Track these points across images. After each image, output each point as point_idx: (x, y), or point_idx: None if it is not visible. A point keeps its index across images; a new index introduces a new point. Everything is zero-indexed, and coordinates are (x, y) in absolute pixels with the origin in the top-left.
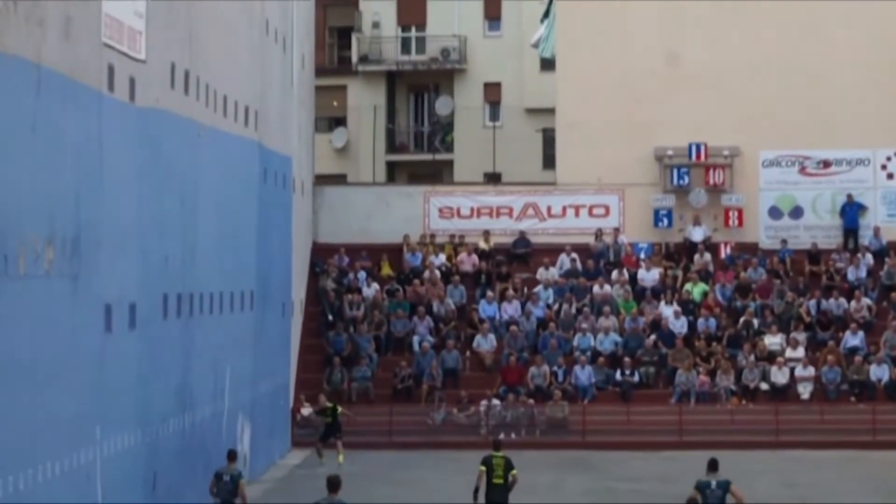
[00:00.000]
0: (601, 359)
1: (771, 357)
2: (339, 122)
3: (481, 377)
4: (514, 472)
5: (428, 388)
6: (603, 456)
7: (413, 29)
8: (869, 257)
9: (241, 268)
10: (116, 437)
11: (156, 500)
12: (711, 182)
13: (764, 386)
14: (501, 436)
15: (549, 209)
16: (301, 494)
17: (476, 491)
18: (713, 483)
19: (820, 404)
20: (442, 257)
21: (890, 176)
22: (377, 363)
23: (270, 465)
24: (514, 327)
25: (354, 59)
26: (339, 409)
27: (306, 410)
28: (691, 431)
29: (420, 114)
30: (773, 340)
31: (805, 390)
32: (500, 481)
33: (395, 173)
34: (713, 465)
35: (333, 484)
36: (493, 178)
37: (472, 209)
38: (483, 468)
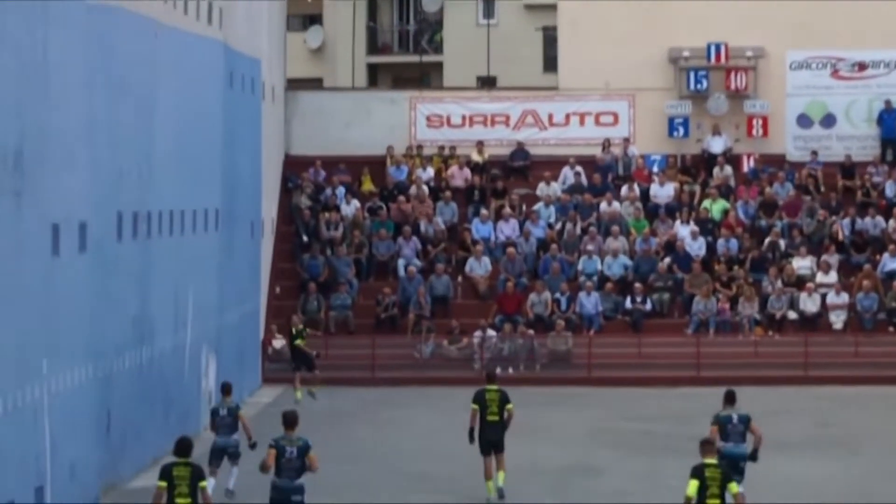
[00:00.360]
0: (609, 284)
1: (799, 282)
2: (315, 19)
3: (475, 305)
4: (509, 406)
5: (415, 318)
6: (611, 393)
7: None
8: None
9: (205, 183)
10: (66, 372)
11: (110, 442)
12: (733, 87)
13: (792, 315)
14: (498, 370)
15: (550, 117)
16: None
17: (471, 431)
18: (734, 417)
19: (854, 335)
20: (430, 171)
21: None
22: (358, 290)
23: (239, 403)
24: (511, 249)
25: None
26: (302, 338)
27: (278, 342)
28: (710, 366)
29: (405, 10)
30: (801, 264)
31: (838, 319)
32: (496, 418)
33: (377, 77)
34: (730, 398)
35: (289, 420)
36: (488, 83)
37: (463, 117)
38: (475, 406)
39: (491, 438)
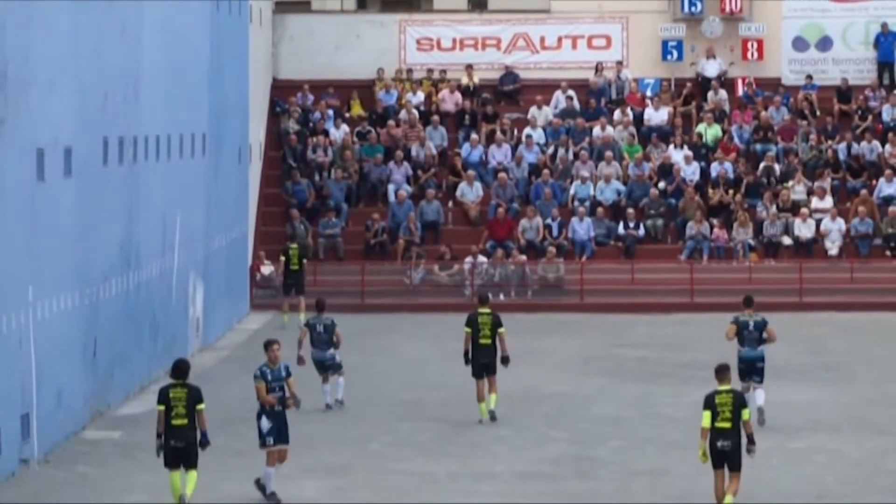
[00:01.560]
0: (601, 210)
1: (795, 208)
2: None
3: (465, 231)
4: (501, 329)
5: (405, 244)
6: (603, 319)
7: None
8: None
9: (192, 107)
10: (51, 298)
11: (96, 369)
12: (727, 9)
13: (787, 240)
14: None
15: (542, 40)
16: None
17: (466, 354)
18: (751, 324)
19: (850, 261)
20: (420, 95)
21: None
22: (347, 215)
23: (227, 331)
24: (502, 174)
25: None
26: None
27: (266, 269)
28: (704, 292)
29: None
30: (797, 189)
31: (833, 245)
32: (488, 341)
33: None
34: (748, 302)
35: (266, 344)
36: (479, 5)
37: (454, 40)
38: (468, 329)
39: (483, 361)
